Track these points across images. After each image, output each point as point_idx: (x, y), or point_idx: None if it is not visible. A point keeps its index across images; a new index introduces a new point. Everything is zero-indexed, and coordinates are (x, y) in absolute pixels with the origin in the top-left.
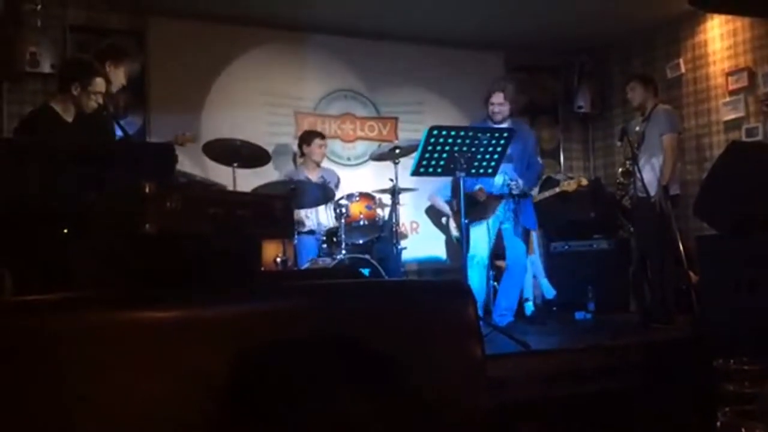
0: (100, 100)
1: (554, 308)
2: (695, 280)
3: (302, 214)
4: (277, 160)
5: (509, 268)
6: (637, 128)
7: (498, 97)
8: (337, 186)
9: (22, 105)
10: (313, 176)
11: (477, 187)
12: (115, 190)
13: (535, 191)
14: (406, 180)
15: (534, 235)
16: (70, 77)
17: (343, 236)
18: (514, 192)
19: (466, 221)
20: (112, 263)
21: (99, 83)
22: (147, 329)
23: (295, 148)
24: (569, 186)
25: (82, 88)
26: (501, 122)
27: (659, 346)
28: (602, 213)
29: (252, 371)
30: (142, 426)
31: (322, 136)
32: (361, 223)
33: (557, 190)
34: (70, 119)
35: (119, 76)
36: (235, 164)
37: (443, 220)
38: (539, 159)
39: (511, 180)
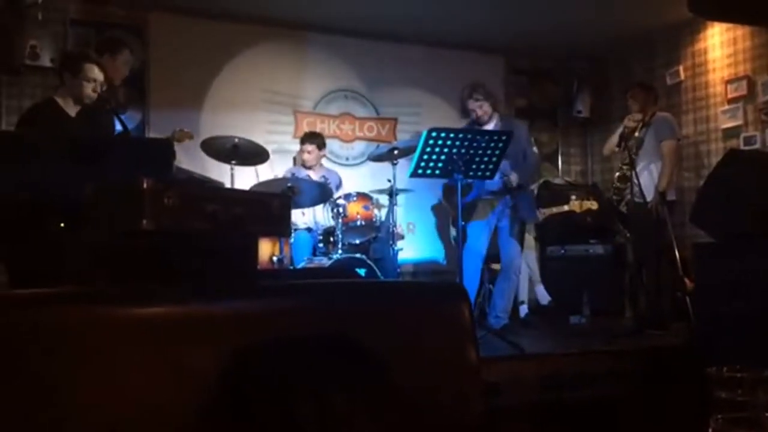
0: (98, 89)
1: (549, 311)
2: (690, 286)
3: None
4: (275, 158)
5: (504, 269)
6: (636, 134)
7: (484, 105)
8: (338, 187)
9: (21, 99)
10: (315, 175)
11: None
12: (112, 185)
13: (534, 186)
14: (403, 181)
15: (531, 240)
16: (62, 68)
17: (339, 236)
18: (509, 186)
19: (463, 223)
20: (108, 258)
21: (89, 68)
22: (141, 325)
23: (293, 146)
24: (576, 207)
25: (73, 75)
26: (487, 122)
27: (653, 352)
28: (599, 218)
29: (245, 370)
30: (132, 423)
31: (311, 142)
32: (358, 223)
33: (565, 208)
34: (73, 113)
35: (119, 68)
36: (234, 162)
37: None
38: (535, 149)
39: (505, 175)
